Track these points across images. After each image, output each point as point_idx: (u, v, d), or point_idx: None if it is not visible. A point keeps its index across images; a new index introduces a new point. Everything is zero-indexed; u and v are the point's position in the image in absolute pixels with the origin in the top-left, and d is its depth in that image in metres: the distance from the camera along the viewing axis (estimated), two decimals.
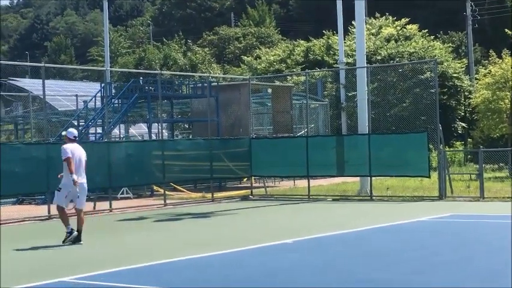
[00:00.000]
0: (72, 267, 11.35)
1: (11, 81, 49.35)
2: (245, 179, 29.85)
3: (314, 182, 26.90)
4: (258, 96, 34.46)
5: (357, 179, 25.54)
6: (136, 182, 23.43)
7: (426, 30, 47.20)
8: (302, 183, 27.55)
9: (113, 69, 51.29)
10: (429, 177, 22.66)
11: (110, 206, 21.55)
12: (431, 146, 24.65)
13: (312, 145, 24.28)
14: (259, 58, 55.12)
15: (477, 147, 29.61)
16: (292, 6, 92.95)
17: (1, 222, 18.69)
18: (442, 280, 9.51)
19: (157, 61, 62.41)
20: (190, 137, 34.79)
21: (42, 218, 19.50)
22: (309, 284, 9.62)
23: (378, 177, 25.64)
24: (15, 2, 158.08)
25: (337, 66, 36.76)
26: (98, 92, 29.72)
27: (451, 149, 36.57)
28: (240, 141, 26.02)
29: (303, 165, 24.21)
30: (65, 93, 45.79)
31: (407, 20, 47.71)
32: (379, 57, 41.97)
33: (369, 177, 23.66)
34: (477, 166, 25.66)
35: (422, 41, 44.33)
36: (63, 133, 15.09)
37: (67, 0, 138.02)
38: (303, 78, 41.14)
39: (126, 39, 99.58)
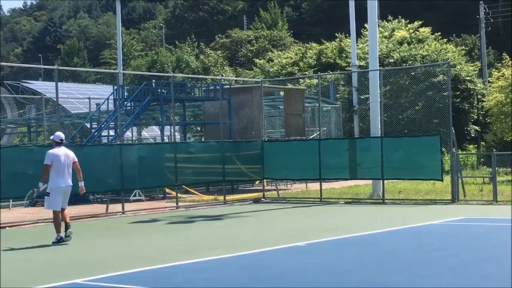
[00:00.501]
0: (85, 269, 11.39)
1: (24, 84, 49.51)
2: (257, 182, 29.89)
3: (326, 185, 26.89)
4: (270, 99, 34.47)
5: (369, 182, 25.51)
6: (149, 184, 23.46)
7: (439, 33, 47.13)
8: (314, 186, 27.55)
9: (125, 71, 51.46)
10: (442, 180, 22.59)
11: (123, 209, 21.61)
12: (444, 149, 24.57)
13: (324, 148, 24.26)
14: (272, 61, 55.11)
15: (490, 151, 29.53)
16: (305, 9, 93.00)
17: (13, 224, 18.80)
18: (454, 283, 9.48)
19: (169, 64, 62.51)
20: (203, 139, 34.81)
21: None
22: (321, 286, 9.61)
23: (390, 180, 25.57)
24: (28, 5, 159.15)
25: (350, 69, 36.71)
26: (110, 95, 29.81)
27: (464, 152, 36.46)
28: (252, 143, 26.03)
29: (315, 168, 24.19)
30: (78, 96, 45.93)
31: (420, 22, 47.65)
32: (391, 60, 41.89)
33: (381, 180, 23.62)
34: (490, 169, 25.57)
35: (435, 44, 44.24)
36: (51, 137, 15.51)
37: (80, 2, 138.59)
38: (315, 81, 41.13)
39: (139, 42, 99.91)
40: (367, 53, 28.91)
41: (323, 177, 24.56)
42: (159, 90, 29.24)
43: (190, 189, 26.50)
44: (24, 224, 18.90)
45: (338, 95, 40.57)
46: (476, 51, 56.02)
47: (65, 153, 14.92)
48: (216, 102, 29.06)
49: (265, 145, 25.74)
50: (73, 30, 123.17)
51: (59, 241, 14.41)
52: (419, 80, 37.55)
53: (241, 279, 10.27)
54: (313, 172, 24.39)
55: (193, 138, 41.78)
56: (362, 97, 34.81)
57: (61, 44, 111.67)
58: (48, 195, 14.63)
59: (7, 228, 18.37)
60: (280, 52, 58.96)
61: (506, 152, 27.89)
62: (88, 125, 30.68)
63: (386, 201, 23.23)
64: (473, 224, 17.18)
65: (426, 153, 22.37)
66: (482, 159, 37.46)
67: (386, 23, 48.83)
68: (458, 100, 40.53)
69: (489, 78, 44.15)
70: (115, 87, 28.52)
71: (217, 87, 30.01)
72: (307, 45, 55.10)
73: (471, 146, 41.31)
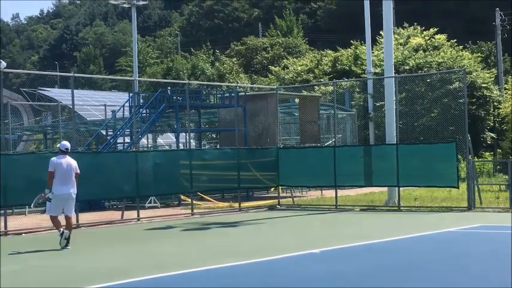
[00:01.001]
0: (103, 276, 11.42)
1: (40, 91, 49.80)
2: (272, 189, 29.85)
3: (341, 192, 26.83)
4: (285, 106, 34.45)
5: (385, 189, 25.42)
6: (164, 191, 23.50)
7: (455, 40, 46.97)
8: (329, 193, 27.49)
9: (141, 79, 51.62)
10: (458, 187, 22.47)
11: (138, 215, 21.64)
12: (459, 157, 24.45)
13: (340, 155, 24.20)
14: (287, 68, 55.15)
15: (506, 158, 29.35)
16: (320, 16, 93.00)
17: (30, 230, 18.88)
18: None
19: (185, 71, 62.72)
20: (218, 146, 34.84)
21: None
22: None
23: (405, 188, 25.45)
24: (45, 12, 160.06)
25: (365, 76, 36.64)
26: (126, 102, 29.92)
27: (480, 160, 36.28)
28: (268, 150, 26.02)
29: (331, 175, 24.14)
30: (94, 103, 46.11)
31: (435, 29, 47.52)
32: (407, 67, 41.78)
33: (396, 188, 23.53)
34: (506, 177, 25.41)
35: (450, 51, 44.08)
36: (57, 145, 16.06)
37: (96, 10, 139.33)
38: (330, 88, 41.09)
39: (155, 50, 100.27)
40: (383, 60, 28.83)
41: (338, 184, 24.51)
42: (175, 98, 29.32)
43: (206, 196, 26.50)
44: (40, 231, 18.96)
45: (353, 102, 40.51)
46: (492, 58, 55.79)
47: (67, 162, 15.21)
48: (231, 109, 29.09)
49: (280, 152, 25.72)
50: (89, 37, 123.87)
51: (62, 234, 14.89)
52: (435, 87, 37.41)
53: (256, 286, 10.25)
54: (329, 179, 24.34)
55: (209, 145, 41.82)
56: (377, 104, 34.70)
57: (77, 51, 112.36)
58: (50, 201, 15.06)
59: (23, 234, 18.46)
60: (295, 59, 58.98)
61: None
62: (104, 132, 30.79)
63: (402, 208, 23.14)
64: (490, 231, 17.07)
65: (442, 160, 22.25)
66: (498, 167, 37.24)
67: (401, 30, 48.75)
68: (474, 107, 40.35)
69: (505, 85, 43.93)
70: (130, 95, 28.62)
71: (233, 94, 30.05)
72: (323, 53, 55.11)
73: (487, 153, 41.08)
